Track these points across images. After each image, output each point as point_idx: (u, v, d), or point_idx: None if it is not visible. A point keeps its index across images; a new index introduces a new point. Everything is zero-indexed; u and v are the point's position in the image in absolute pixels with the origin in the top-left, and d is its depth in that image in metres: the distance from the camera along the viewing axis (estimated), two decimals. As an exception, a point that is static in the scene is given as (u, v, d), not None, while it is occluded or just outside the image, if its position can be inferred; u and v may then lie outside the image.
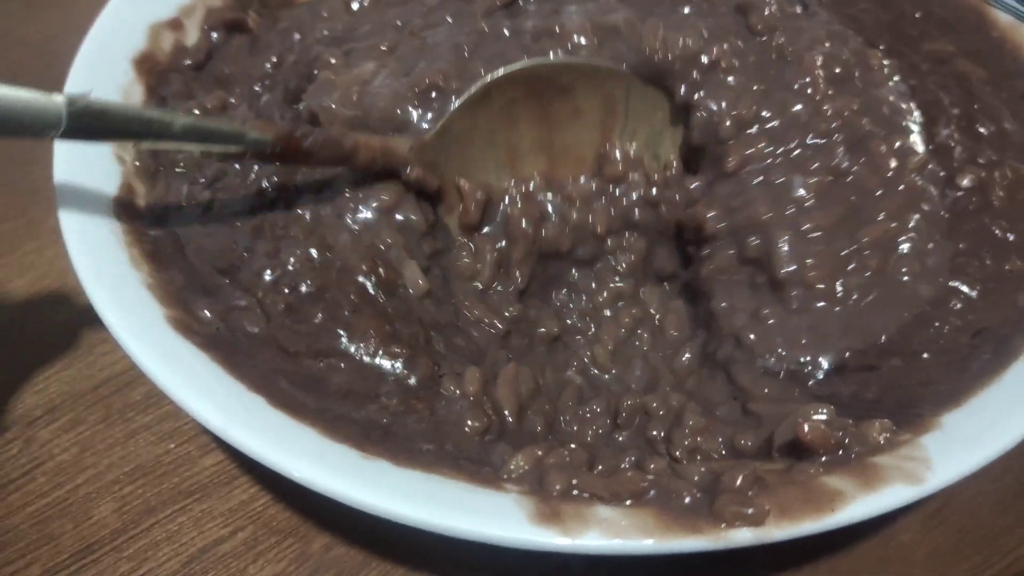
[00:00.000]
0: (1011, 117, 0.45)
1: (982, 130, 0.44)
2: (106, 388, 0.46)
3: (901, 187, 0.42)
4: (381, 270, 0.40)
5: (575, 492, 0.31)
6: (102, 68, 0.45)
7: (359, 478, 0.30)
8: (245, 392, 0.33)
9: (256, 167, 0.43)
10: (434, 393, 0.37)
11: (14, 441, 0.44)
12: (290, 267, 0.39)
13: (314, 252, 0.40)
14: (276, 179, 0.43)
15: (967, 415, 0.33)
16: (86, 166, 0.40)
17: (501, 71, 0.43)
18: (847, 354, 0.38)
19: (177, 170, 0.43)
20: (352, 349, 0.37)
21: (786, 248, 0.40)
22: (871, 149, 0.42)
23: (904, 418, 0.34)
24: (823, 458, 0.32)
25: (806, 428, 0.32)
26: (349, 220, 0.41)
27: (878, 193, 0.42)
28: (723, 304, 0.41)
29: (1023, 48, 0.50)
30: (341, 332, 0.38)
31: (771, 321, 0.39)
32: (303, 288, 0.39)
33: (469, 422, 0.36)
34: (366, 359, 0.37)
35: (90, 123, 0.34)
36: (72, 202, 0.38)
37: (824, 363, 0.38)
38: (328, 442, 0.32)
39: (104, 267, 0.37)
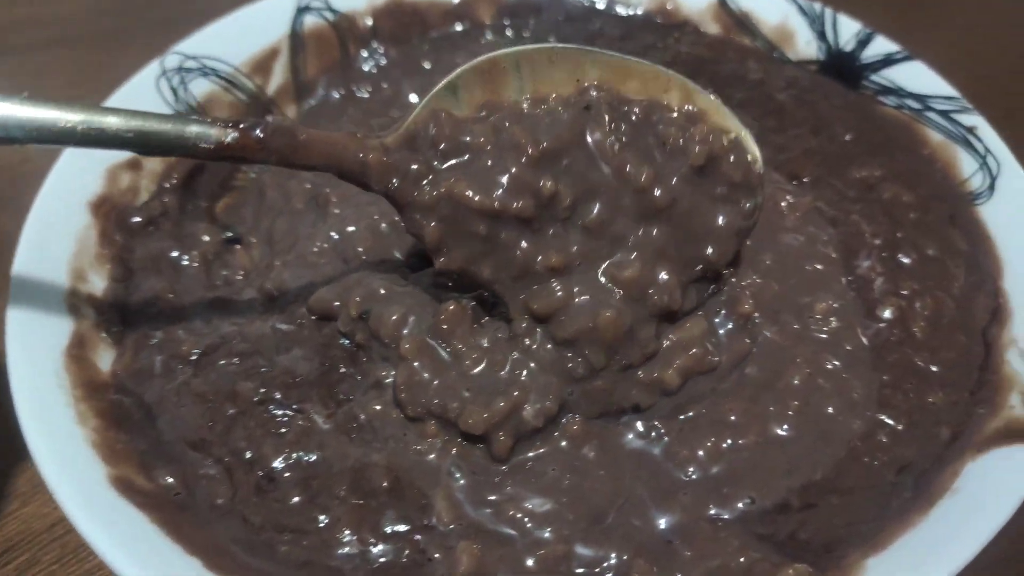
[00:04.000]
0: (936, 244, 0.46)
1: (905, 260, 0.45)
2: (60, 527, 0.46)
3: (817, 337, 0.43)
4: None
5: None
6: (60, 211, 0.46)
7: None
8: (183, 554, 0.34)
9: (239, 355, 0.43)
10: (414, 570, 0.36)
11: (-30, 584, 0.44)
12: (275, 464, 0.39)
13: (308, 457, 0.39)
14: (271, 369, 0.42)
15: (889, 559, 0.34)
16: (39, 319, 0.41)
17: (462, 67, 0.40)
18: (789, 493, 0.38)
19: (151, 342, 0.43)
20: (327, 533, 0.37)
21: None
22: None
23: (832, 561, 0.35)
24: None
25: None
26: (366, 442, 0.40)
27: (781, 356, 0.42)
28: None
29: (952, 167, 0.50)
30: (320, 516, 0.38)
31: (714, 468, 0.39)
32: (285, 475, 0.38)
33: None
34: (342, 548, 0.37)
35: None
36: (22, 354, 0.40)
37: (766, 503, 0.38)
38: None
39: (50, 423, 0.37)
